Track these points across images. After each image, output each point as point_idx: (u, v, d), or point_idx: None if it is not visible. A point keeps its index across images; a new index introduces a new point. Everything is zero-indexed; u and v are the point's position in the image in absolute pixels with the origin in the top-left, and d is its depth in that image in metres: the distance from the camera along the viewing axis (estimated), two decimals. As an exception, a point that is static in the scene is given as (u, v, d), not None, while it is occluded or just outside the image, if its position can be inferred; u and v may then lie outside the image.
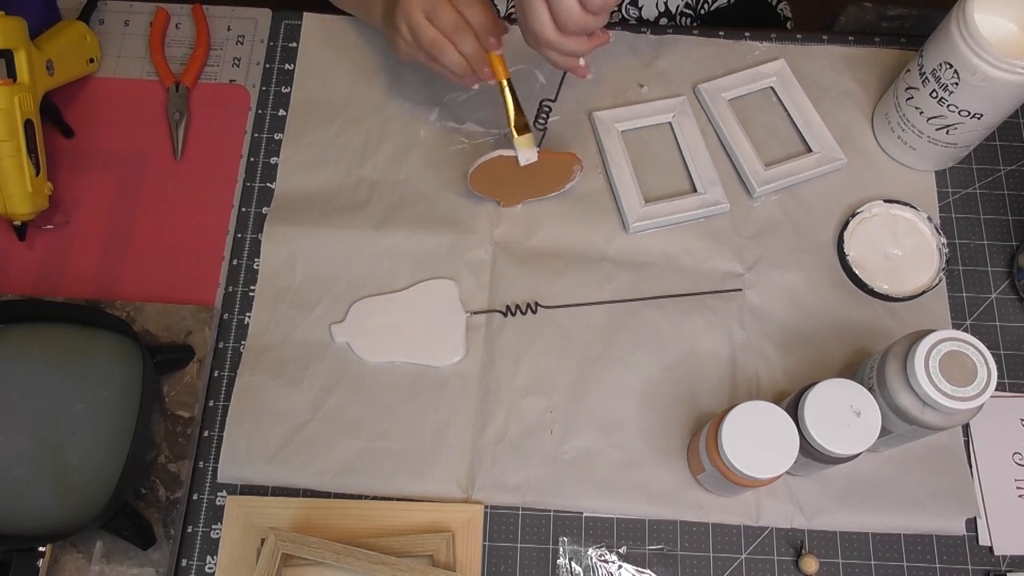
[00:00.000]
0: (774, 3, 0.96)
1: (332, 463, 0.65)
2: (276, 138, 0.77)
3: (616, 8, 0.86)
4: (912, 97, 0.69)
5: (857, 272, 0.70)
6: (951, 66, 0.64)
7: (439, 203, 0.74)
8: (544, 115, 0.67)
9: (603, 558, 0.63)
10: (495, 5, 0.86)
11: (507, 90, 0.65)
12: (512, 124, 0.65)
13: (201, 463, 0.66)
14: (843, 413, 0.55)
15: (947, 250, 0.71)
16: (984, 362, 0.54)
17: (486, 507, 0.65)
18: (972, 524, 0.64)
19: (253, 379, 0.68)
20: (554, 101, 0.65)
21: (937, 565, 0.63)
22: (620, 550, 0.64)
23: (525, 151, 0.66)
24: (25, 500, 0.60)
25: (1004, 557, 0.64)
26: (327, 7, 0.81)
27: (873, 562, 0.63)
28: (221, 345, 0.70)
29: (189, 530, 0.65)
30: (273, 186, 0.75)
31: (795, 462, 0.55)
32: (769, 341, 0.69)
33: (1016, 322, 0.70)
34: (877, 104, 0.77)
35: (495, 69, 0.64)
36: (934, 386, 0.54)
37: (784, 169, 0.74)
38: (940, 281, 0.70)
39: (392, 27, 0.66)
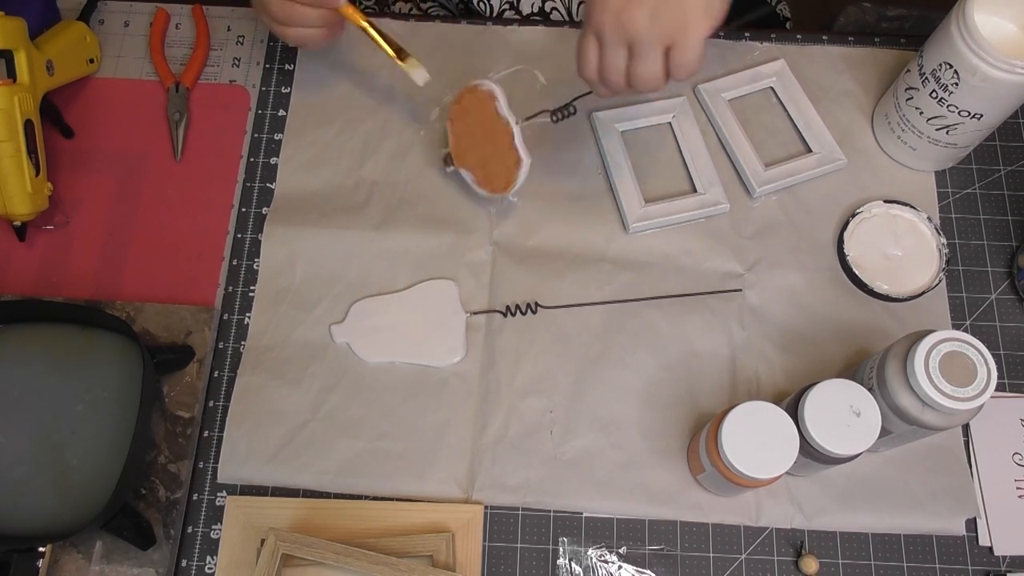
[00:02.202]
0: (773, 3, 0.96)
1: (332, 463, 0.65)
2: (276, 138, 0.77)
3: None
4: (912, 97, 0.69)
5: (857, 272, 0.70)
6: (951, 66, 0.64)
7: (439, 203, 0.74)
8: (567, 112, 0.69)
9: (603, 558, 0.63)
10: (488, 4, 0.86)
11: (371, 29, 0.68)
12: (393, 55, 0.68)
13: (201, 463, 0.66)
14: (843, 413, 0.55)
15: (947, 250, 0.71)
16: (984, 362, 0.54)
17: (486, 507, 0.65)
18: (972, 524, 0.64)
19: (253, 379, 0.68)
20: (574, 113, 0.69)
21: (937, 565, 0.63)
22: (620, 550, 0.64)
23: (416, 72, 0.68)
24: (25, 500, 0.60)
25: (1004, 557, 0.64)
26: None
27: (873, 562, 0.63)
28: (221, 345, 0.70)
29: (189, 530, 0.65)
30: (273, 186, 0.75)
31: (795, 462, 0.55)
32: (769, 341, 0.69)
33: (1016, 322, 0.70)
34: (877, 104, 0.77)
35: (351, 19, 0.67)
36: (934, 386, 0.54)
37: (784, 169, 0.74)
38: (940, 281, 0.70)
39: None
